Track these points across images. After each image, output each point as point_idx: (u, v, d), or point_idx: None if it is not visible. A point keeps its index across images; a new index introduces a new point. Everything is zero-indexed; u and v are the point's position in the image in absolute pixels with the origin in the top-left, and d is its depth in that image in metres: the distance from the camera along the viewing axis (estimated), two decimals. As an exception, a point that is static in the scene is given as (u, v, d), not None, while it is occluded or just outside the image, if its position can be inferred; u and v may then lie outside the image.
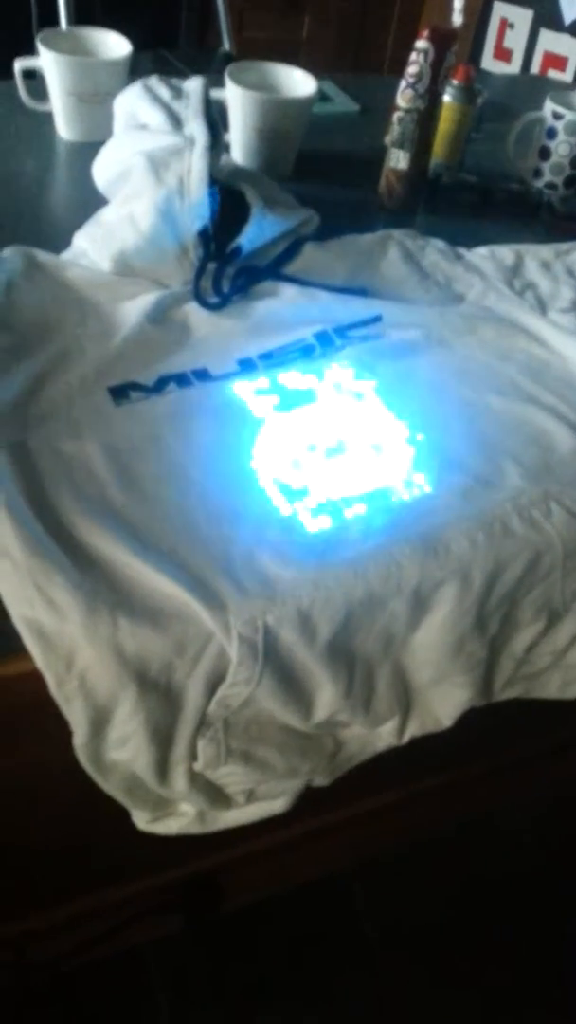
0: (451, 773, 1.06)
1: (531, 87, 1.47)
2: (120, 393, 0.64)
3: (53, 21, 1.56)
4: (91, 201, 0.83)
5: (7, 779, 0.64)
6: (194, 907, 1.04)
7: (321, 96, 1.16)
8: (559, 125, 0.99)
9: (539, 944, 1.17)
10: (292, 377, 0.68)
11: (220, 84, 0.92)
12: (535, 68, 2.25)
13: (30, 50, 0.98)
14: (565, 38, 2.15)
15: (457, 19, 0.83)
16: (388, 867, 1.19)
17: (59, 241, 0.78)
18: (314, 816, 0.96)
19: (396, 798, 1.04)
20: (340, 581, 0.54)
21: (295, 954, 1.12)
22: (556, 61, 2.18)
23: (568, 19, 2.10)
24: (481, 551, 0.57)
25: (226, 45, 1.96)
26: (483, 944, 1.16)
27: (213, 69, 1.92)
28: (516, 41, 2.30)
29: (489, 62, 2.39)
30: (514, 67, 2.32)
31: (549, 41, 2.19)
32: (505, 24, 2.32)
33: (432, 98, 0.84)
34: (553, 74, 2.17)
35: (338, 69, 2.64)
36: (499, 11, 2.32)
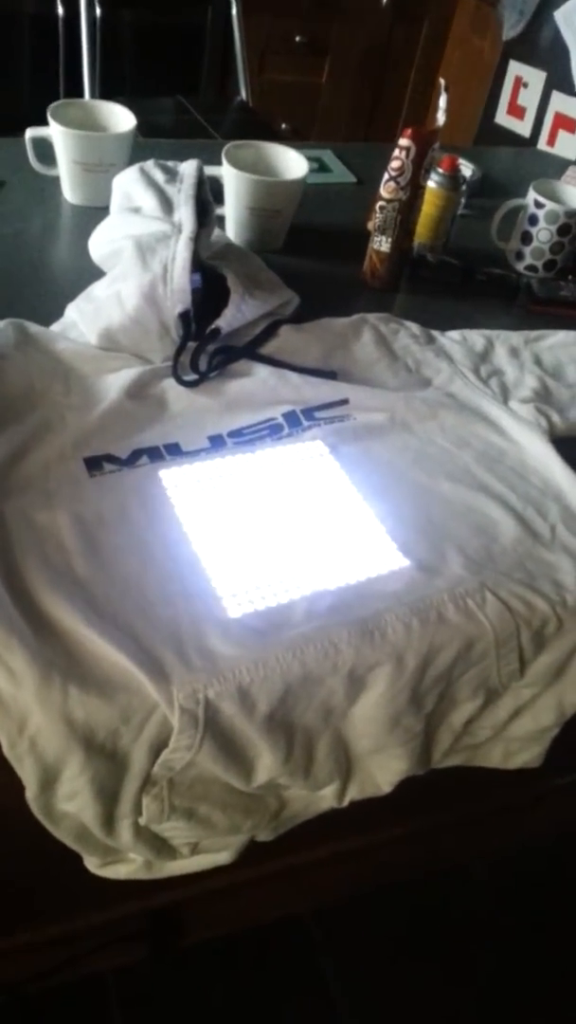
0: (415, 823, 1.09)
1: (534, 162, 1.52)
2: (95, 464, 0.69)
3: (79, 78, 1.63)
4: (88, 266, 0.88)
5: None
6: (155, 939, 1.08)
7: (320, 166, 1.22)
8: (540, 213, 1.03)
9: (497, 980, 1.20)
10: (257, 457, 0.72)
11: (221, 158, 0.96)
12: (546, 127, 2.30)
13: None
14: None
15: (440, 118, 0.87)
16: (348, 904, 1.22)
17: (58, 299, 0.83)
18: (273, 859, 0.99)
19: (357, 845, 1.07)
20: (279, 660, 0.58)
21: (252, 984, 1.15)
22: (567, 123, 2.23)
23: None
24: (415, 636, 0.61)
25: (243, 94, 2.02)
26: (439, 978, 1.19)
27: (228, 117, 2.00)
28: (530, 100, 2.35)
29: (503, 118, 2.45)
30: (526, 124, 2.38)
31: (561, 103, 2.25)
32: (520, 82, 2.38)
33: (414, 190, 0.89)
34: (563, 135, 2.22)
35: (358, 112, 2.70)
36: (514, 69, 2.39)
